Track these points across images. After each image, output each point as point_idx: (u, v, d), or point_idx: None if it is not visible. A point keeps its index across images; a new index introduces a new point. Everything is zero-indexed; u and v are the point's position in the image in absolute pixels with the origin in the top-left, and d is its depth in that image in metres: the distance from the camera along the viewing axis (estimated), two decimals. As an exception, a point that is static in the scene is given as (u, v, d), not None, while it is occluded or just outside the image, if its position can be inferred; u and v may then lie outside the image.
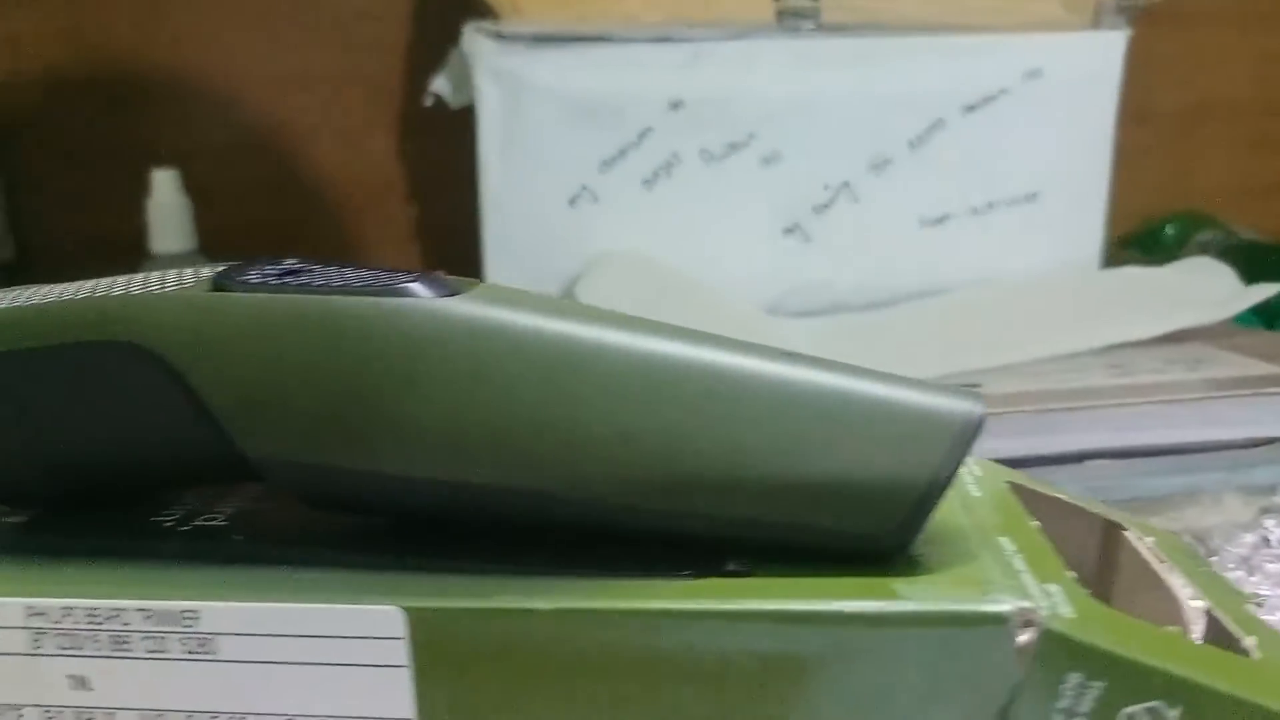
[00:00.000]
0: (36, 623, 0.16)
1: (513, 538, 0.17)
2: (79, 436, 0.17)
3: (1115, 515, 0.21)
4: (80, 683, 0.16)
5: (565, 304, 0.17)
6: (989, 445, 0.29)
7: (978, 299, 0.37)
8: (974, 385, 0.32)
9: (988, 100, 0.38)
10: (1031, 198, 0.39)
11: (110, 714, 0.16)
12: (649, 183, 0.37)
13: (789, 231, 0.38)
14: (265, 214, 0.55)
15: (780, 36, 0.37)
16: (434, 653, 0.15)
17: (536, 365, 0.16)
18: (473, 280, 0.18)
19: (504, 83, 0.36)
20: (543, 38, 0.36)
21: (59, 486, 0.18)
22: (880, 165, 0.38)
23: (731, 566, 0.16)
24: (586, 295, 0.34)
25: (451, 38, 0.54)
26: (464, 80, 0.42)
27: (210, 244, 0.46)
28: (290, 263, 0.18)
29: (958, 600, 0.14)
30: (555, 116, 0.36)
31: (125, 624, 0.16)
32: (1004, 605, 0.14)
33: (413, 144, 0.57)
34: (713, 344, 0.16)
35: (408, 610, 0.15)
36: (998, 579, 0.15)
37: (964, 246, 0.39)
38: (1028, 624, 0.14)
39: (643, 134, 0.37)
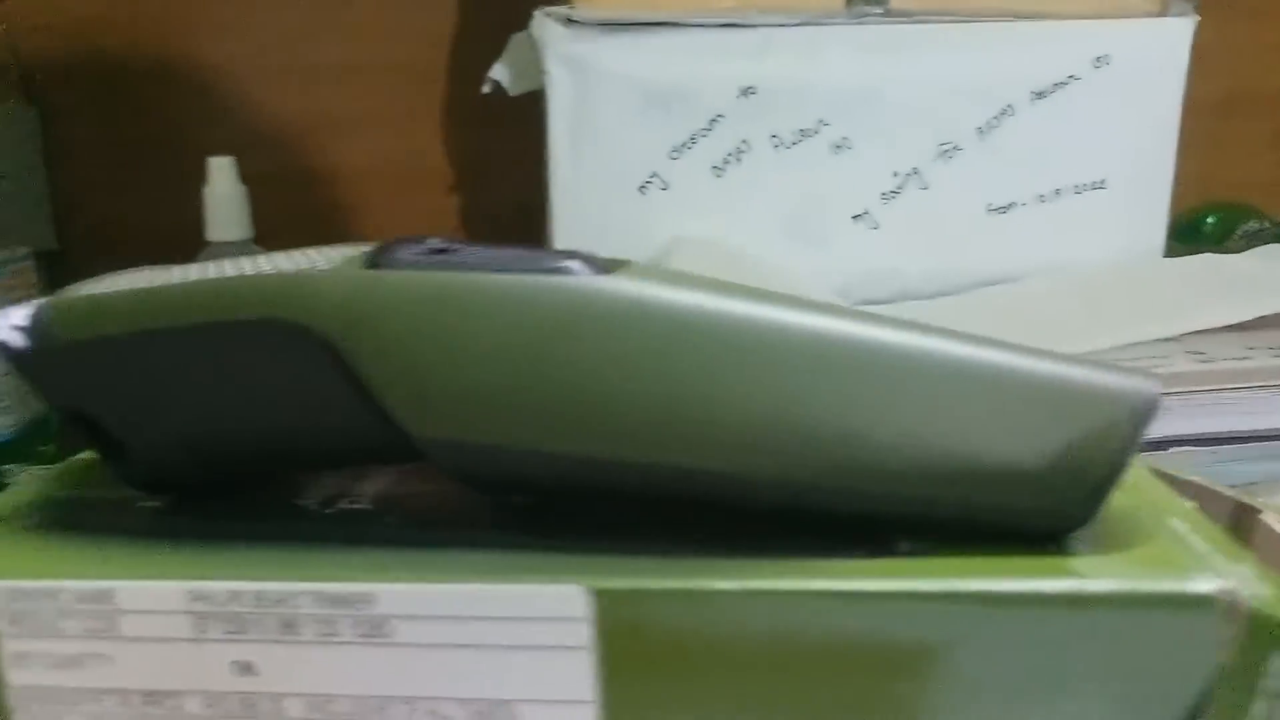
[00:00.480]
0: (200, 607, 0.16)
1: (683, 516, 0.17)
2: (233, 417, 0.17)
3: (1247, 497, 0.21)
4: (245, 668, 0.16)
5: (723, 283, 0.17)
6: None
7: (1050, 286, 0.37)
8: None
9: (1056, 87, 0.38)
10: (1098, 185, 0.39)
11: (276, 699, 0.16)
12: (719, 169, 0.37)
13: (857, 218, 0.38)
14: (308, 202, 0.54)
15: (849, 23, 0.37)
16: (616, 633, 0.15)
17: (706, 342, 0.16)
18: (620, 259, 0.18)
19: (575, 69, 0.36)
20: (613, 23, 0.36)
21: (204, 469, 0.18)
22: (949, 152, 0.38)
23: (905, 547, 0.16)
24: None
25: (496, 25, 0.54)
26: (524, 67, 0.41)
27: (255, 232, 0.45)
28: (434, 242, 0.18)
29: (1157, 580, 0.14)
30: (626, 103, 0.36)
31: (295, 608, 0.16)
32: (1208, 585, 0.14)
33: (457, 132, 0.56)
34: (885, 323, 0.16)
35: (592, 590, 0.15)
36: (1188, 559, 0.15)
37: (1030, 234, 0.39)
38: (1232, 605, 0.14)
39: (713, 120, 0.37)
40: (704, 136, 0.37)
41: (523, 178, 0.57)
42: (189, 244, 0.54)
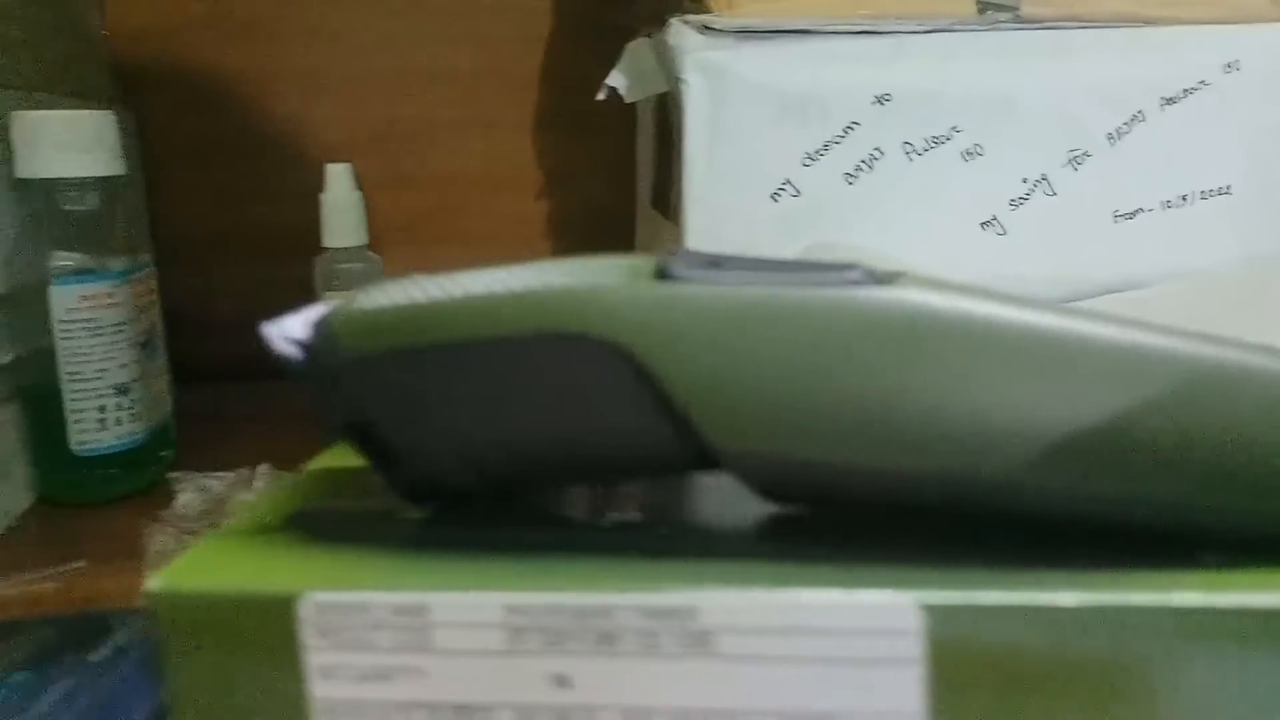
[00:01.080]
0: (516, 620, 0.16)
1: (988, 527, 0.17)
2: (521, 429, 0.17)
3: None
4: (561, 681, 0.16)
5: (1002, 293, 0.17)
6: None
7: (1179, 291, 0.37)
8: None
9: (1186, 92, 0.38)
10: (1224, 190, 0.39)
11: (591, 712, 0.16)
12: (851, 177, 0.37)
13: (985, 225, 0.38)
14: (396, 206, 0.55)
15: (981, 30, 0.37)
16: (946, 647, 0.15)
17: (1006, 352, 0.16)
18: (893, 270, 0.18)
19: (712, 76, 0.36)
20: (750, 31, 0.36)
21: (481, 481, 0.18)
22: (1078, 159, 0.38)
23: (1211, 559, 0.16)
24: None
25: (584, 32, 0.54)
26: (642, 74, 0.42)
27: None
28: (707, 254, 0.18)
29: None
30: (761, 110, 0.36)
31: (616, 620, 0.16)
32: None
33: (542, 138, 0.56)
34: (1174, 335, 0.16)
35: (924, 604, 0.15)
36: None
37: (1155, 240, 0.39)
38: None
39: (848, 128, 0.37)
40: (837, 144, 0.37)
41: (605, 183, 0.58)
42: (287, 249, 0.55)
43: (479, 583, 0.16)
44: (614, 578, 0.16)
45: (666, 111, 0.45)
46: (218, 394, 0.51)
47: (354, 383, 0.17)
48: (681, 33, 0.36)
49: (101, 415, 0.39)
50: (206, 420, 0.48)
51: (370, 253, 0.44)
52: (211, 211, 0.54)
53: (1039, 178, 0.38)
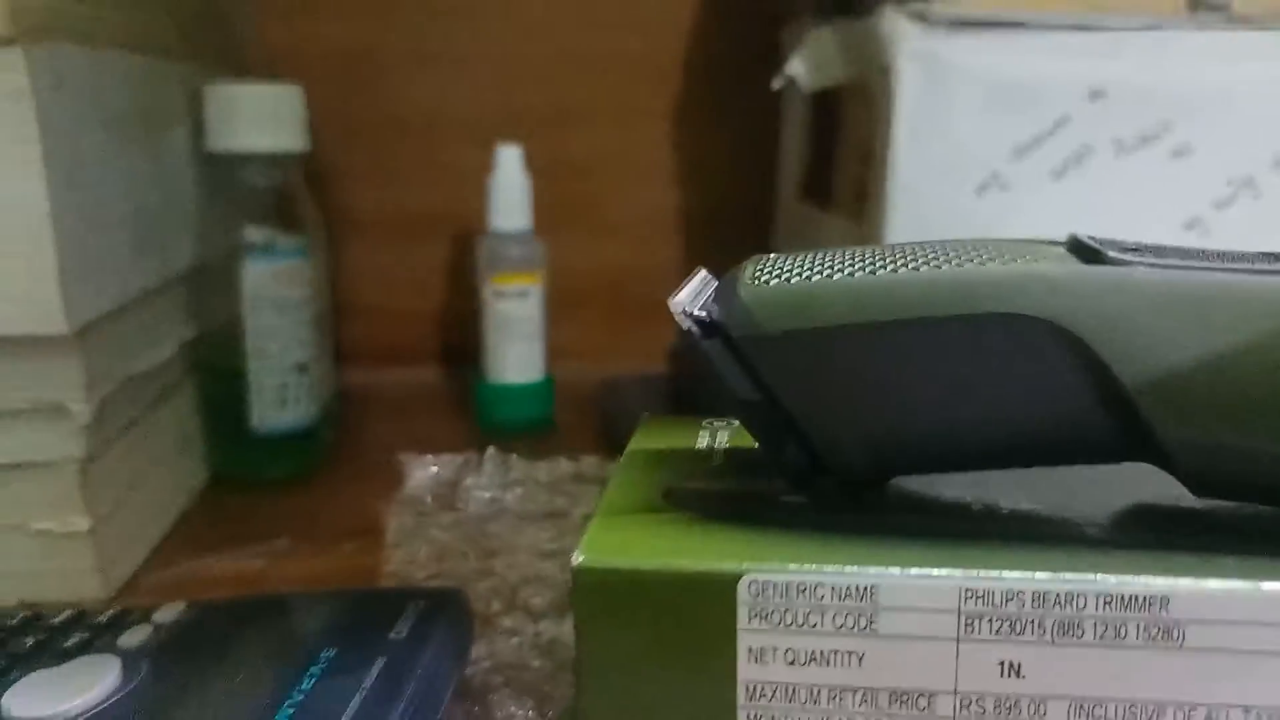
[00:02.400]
0: (972, 606, 0.15)
1: None
2: (942, 411, 0.17)
3: None
4: (1012, 669, 0.16)
5: None
6: None
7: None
8: None
9: (1399, 97, 0.37)
10: None
11: (1039, 702, 0.16)
12: (1058, 173, 0.37)
13: (1189, 226, 0.38)
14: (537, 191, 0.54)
15: (1192, 28, 0.36)
16: None
17: None
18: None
19: (926, 65, 0.35)
20: (965, 22, 0.35)
21: (880, 464, 0.18)
22: (1285, 161, 0.37)
23: None
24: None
25: (733, 18, 0.54)
26: (823, 63, 0.41)
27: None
28: (1119, 241, 0.18)
29: None
30: (973, 102, 0.36)
31: (1079, 609, 0.15)
32: None
33: (681, 127, 0.56)
34: None
35: None
36: None
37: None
38: None
39: (1059, 122, 0.36)
40: (1048, 138, 0.36)
41: (742, 174, 0.57)
42: (435, 229, 0.54)
43: (931, 564, 0.16)
44: (1074, 564, 0.15)
45: (832, 102, 0.45)
46: (368, 378, 0.51)
47: (765, 359, 0.17)
48: (895, 21, 0.36)
49: (283, 393, 0.39)
50: (359, 403, 0.48)
51: (536, 239, 0.44)
52: (360, 192, 0.54)
53: (1245, 179, 0.37)
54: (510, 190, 0.43)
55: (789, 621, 0.16)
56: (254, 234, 0.38)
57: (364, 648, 0.22)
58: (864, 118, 0.40)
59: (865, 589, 0.16)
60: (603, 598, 0.16)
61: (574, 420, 0.46)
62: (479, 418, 0.45)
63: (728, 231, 0.57)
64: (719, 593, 0.16)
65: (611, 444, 0.41)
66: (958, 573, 0.15)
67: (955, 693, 0.16)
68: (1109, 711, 0.15)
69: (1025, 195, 0.37)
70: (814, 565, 0.16)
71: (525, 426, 0.44)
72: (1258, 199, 0.38)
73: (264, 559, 0.33)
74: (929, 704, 0.16)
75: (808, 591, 0.16)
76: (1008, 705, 0.16)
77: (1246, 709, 0.15)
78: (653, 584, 0.16)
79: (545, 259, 0.45)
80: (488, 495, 0.34)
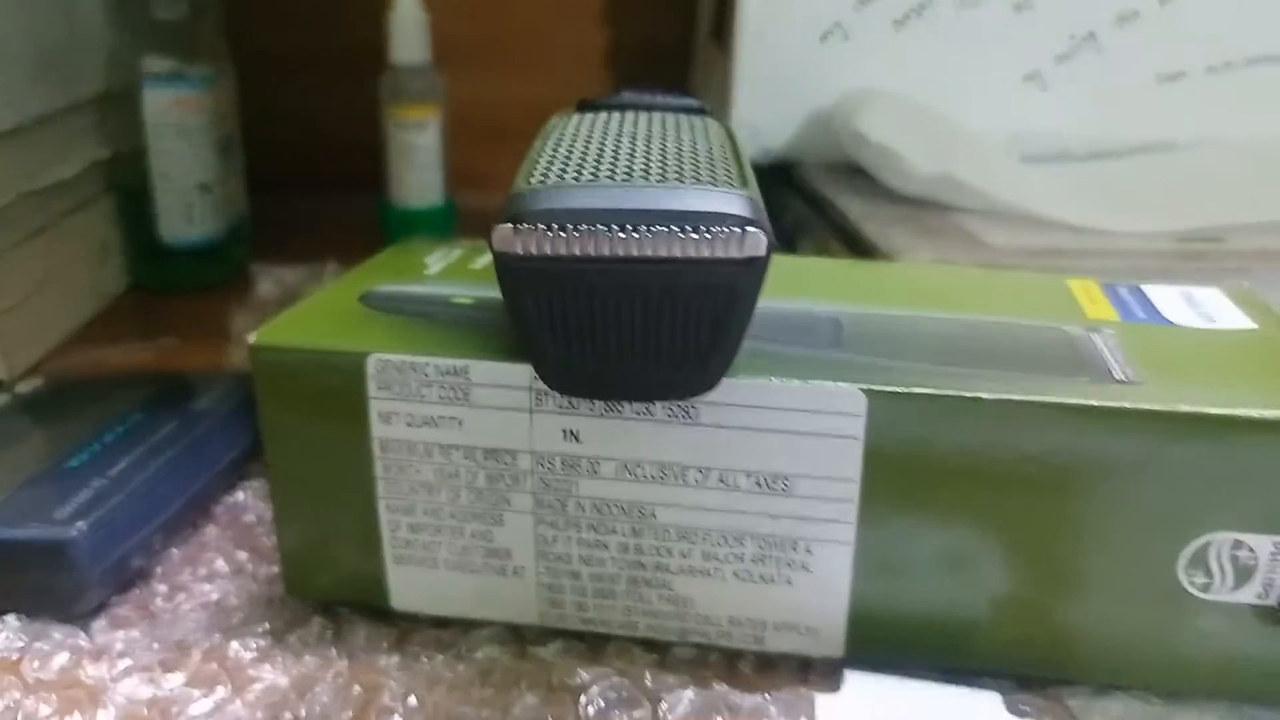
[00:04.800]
0: (540, 385, 0.19)
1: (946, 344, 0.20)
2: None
3: None
4: (572, 435, 0.20)
5: None
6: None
7: (1216, 156, 0.38)
8: (1217, 240, 0.33)
9: (1245, -45, 0.38)
10: (1270, 60, 0.39)
11: (594, 462, 0.20)
12: (899, 23, 0.38)
13: (1028, 79, 0.39)
14: (458, 29, 0.56)
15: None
16: (884, 428, 0.18)
17: None
18: None
19: (770, -86, 0.37)
20: None
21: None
22: (1127, 18, 0.38)
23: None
24: (869, 129, 0.35)
25: None
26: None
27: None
28: None
29: None
30: (817, -48, 0.37)
31: (618, 390, 0.19)
32: None
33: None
34: None
35: (867, 391, 0.18)
36: None
37: (1195, 105, 0.40)
38: None
39: (900, -27, 0.37)
40: (889, -12, 0.38)
41: (665, 15, 0.58)
42: (348, 67, 0.57)
43: (510, 357, 0.19)
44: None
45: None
46: (286, 202, 0.54)
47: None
48: None
49: (188, 211, 0.43)
50: (278, 225, 0.52)
51: (434, 73, 0.47)
52: (279, 27, 0.56)
53: (1086, 34, 0.39)
54: (407, 25, 0.46)
55: (406, 394, 0.20)
56: (157, 64, 0.41)
57: (166, 413, 0.27)
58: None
59: (460, 368, 0.20)
60: (270, 371, 0.20)
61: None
62: (386, 241, 0.49)
63: (651, 71, 0.59)
64: (353, 368, 0.20)
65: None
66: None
67: (532, 452, 0.20)
68: (646, 470, 0.20)
69: (867, 44, 0.39)
70: (424, 350, 0.20)
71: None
72: (1098, 53, 0.39)
73: (152, 352, 0.38)
74: (513, 459, 0.20)
75: (417, 369, 0.20)
76: (571, 463, 0.20)
77: (749, 473, 0.19)
78: (305, 361, 0.20)
79: (445, 92, 0.47)
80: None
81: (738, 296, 0.15)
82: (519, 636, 0.22)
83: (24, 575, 0.22)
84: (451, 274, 0.24)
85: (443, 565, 0.21)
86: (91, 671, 0.20)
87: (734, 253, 0.14)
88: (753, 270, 0.15)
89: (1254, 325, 0.22)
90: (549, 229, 0.15)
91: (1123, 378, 0.19)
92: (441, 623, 0.22)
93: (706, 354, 0.17)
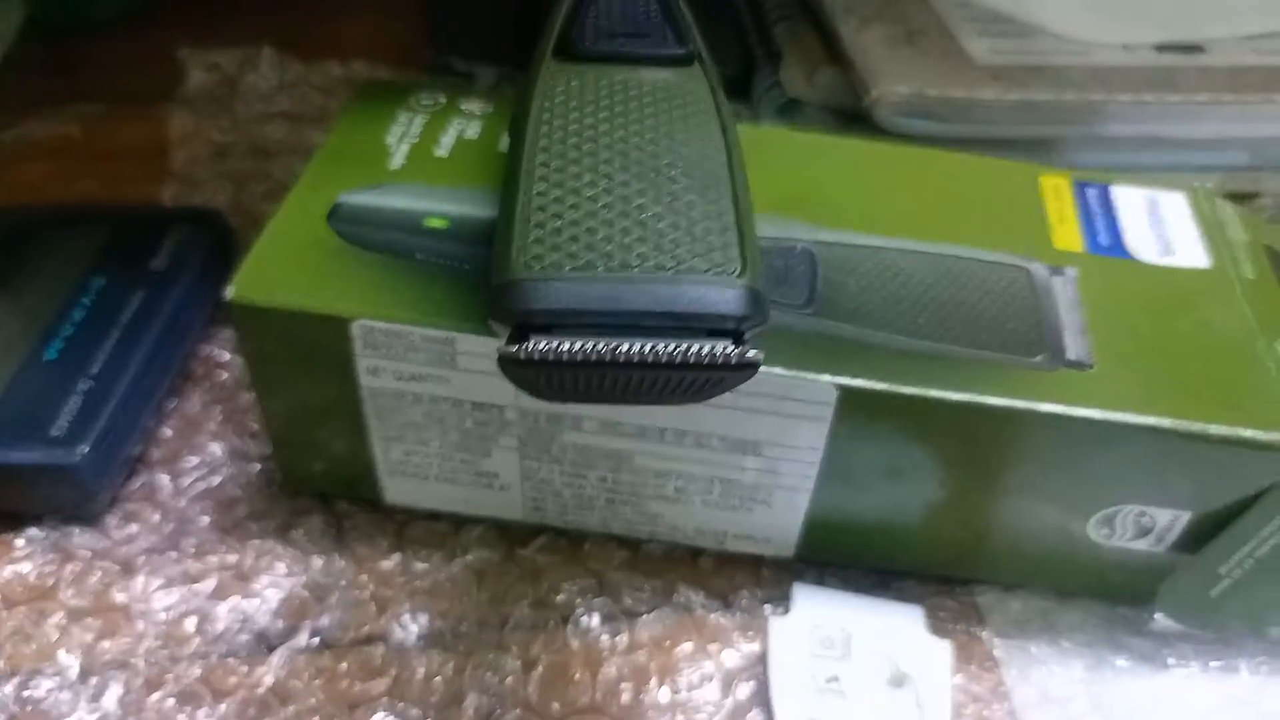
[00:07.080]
0: (525, 355, 0.20)
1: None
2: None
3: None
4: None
5: None
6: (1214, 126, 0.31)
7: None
8: (1196, 48, 0.32)
9: None
10: None
11: (577, 419, 0.21)
12: None
13: None
14: None
15: None
16: (851, 410, 0.20)
17: None
18: None
19: None
20: None
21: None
22: None
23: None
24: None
25: None
26: None
27: None
28: None
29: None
30: None
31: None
32: None
33: None
34: None
35: (840, 386, 0.19)
36: None
37: None
38: None
39: None
40: None
41: None
42: None
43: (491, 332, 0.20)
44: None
45: None
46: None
47: None
48: None
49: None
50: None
51: None
52: None
53: None
54: None
55: (392, 355, 0.20)
56: None
57: (129, 277, 0.26)
58: None
59: (446, 339, 0.20)
60: (252, 323, 0.20)
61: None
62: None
63: None
64: (339, 329, 0.20)
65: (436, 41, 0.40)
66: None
67: (518, 408, 0.21)
68: (626, 429, 0.21)
69: None
70: (409, 318, 0.20)
71: None
72: None
73: (78, 126, 0.35)
74: (500, 412, 0.21)
75: (402, 337, 0.20)
76: (554, 418, 0.21)
77: (722, 437, 0.21)
78: (288, 320, 0.20)
79: None
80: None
81: (730, 385, 0.15)
82: (506, 535, 0.24)
83: (31, 491, 0.23)
84: (416, 169, 0.23)
85: (433, 479, 0.23)
86: (122, 595, 0.22)
87: (732, 361, 0.15)
88: (747, 372, 0.15)
89: (1207, 264, 0.23)
90: (550, 343, 0.15)
91: (1075, 358, 0.20)
92: (434, 515, 0.24)
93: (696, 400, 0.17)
